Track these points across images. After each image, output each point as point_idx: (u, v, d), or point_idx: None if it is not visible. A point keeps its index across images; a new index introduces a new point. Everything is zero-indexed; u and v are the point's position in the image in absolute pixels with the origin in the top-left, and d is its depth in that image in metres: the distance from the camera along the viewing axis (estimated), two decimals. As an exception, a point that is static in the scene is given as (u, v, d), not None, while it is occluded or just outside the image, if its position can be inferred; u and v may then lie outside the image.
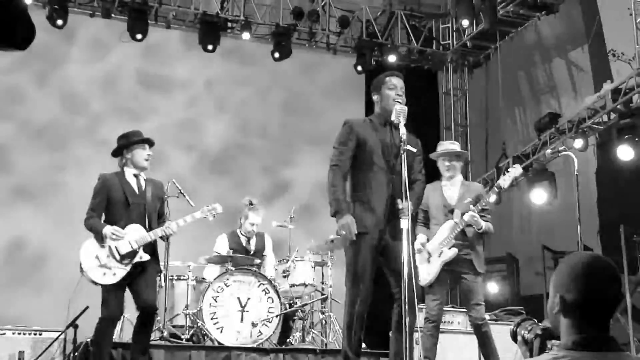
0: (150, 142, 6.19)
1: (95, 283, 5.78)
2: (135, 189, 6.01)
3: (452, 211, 6.34)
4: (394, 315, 4.88)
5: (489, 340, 6.27)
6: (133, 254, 5.81)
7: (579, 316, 2.25)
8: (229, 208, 8.95)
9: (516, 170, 6.38)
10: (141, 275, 5.86)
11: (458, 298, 11.34)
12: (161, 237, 6.09)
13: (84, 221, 5.92)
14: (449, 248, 6.21)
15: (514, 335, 4.00)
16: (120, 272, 5.76)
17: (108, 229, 5.79)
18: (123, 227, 5.86)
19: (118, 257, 5.77)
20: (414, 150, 5.03)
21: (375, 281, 4.94)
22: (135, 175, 6.07)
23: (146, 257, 5.88)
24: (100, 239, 5.79)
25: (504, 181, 6.26)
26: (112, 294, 5.75)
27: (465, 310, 6.69)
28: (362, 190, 4.92)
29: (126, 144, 6.13)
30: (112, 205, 5.94)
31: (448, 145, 6.60)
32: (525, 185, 10.57)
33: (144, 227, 5.94)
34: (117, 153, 6.19)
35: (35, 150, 10.71)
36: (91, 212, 5.92)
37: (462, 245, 6.24)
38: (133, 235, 5.86)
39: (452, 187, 6.39)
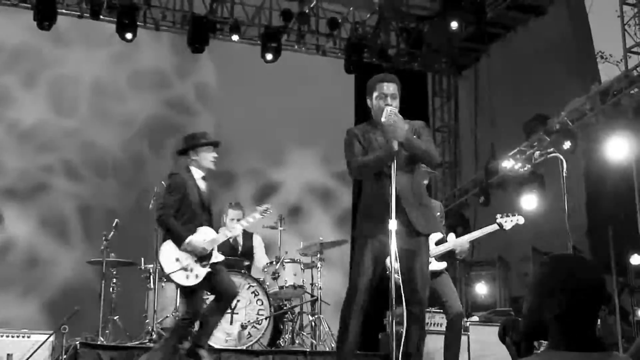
0: (217, 144, 6.15)
1: (181, 286, 5.87)
2: (204, 190, 6.02)
3: None
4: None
5: (460, 337, 6.36)
6: (209, 255, 5.84)
7: (567, 318, 2.26)
8: (216, 210, 8.95)
9: (520, 220, 6.52)
10: (217, 268, 5.91)
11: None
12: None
13: (158, 216, 5.87)
14: (438, 259, 6.29)
15: (502, 336, 4.01)
16: (201, 273, 5.79)
17: (194, 245, 5.79)
18: (196, 228, 5.87)
19: (196, 259, 5.79)
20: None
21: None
22: (203, 177, 6.07)
23: (221, 257, 5.93)
24: (179, 242, 5.78)
25: (506, 224, 6.42)
26: (197, 294, 5.83)
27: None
28: (367, 196, 4.95)
29: (193, 145, 6.07)
30: (188, 205, 5.90)
31: None
32: (514, 187, 10.60)
33: (213, 228, 6.00)
34: (182, 153, 6.15)
35: (23, 151, 10.67)
36: (168, 210, 5.84)
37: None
38: (207, 237, 5.88)
39: None
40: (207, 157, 6.05)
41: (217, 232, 6.04)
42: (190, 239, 5.77)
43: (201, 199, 5.94)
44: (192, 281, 5.76)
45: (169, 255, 5.79)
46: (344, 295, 4.93)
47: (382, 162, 4.75)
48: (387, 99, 4.91)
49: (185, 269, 5.75)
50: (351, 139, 4.98)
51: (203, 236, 5.87)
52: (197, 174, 6.05)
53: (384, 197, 4.70)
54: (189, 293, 5.83)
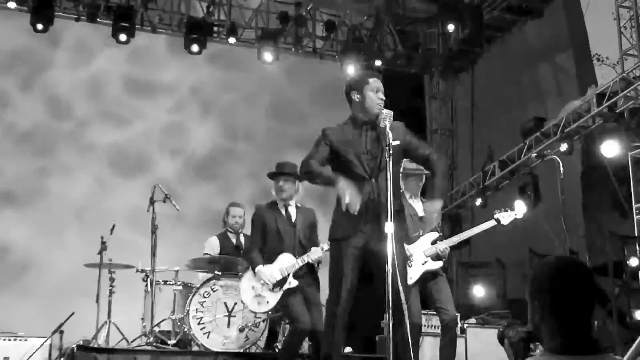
0: (284, 174, 6.36)
1: (255, 312, 6.50)
2: (285, 218, 6.30)
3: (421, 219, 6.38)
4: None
5: (456, 342, 6.32)
6: (283, 281, 6.10)
7: (557, 319, 2.25)
8: (214, 213, 8.96)
9: (519, 211, 6.45)
10: (289, 301, 6.14)
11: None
12: (310, 262, 6.29)
13: (244, 250, 6.51)
14: (434, 259, 6.26)
15: (501, 338, 4.04)
16: (272, 300, 6.14)
17: (261, 273, 6.13)
18: (276, 256, 6.17)
19: (271, 287, 6.12)
20: (397, 143, 4.96)
21: (361, 287, 4.90)
22: (285, 205, 6.33)
23: (295, 283, 6.14)
24: (254, 272, 6.19)
25: (504, 219, 6.36)
26: (299, 309, 6.02)
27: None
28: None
29: (270, 176, 6.45)
30: (267, 235, 6.27)
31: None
32: (511, 189, 10.60)
33: (294, 255, 6.21)
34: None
35: (19, 155, 10.66)
36: (251, 244, 6.41)
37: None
38: (283, 264, 6.16)
39: (416, 201, 6.46)
40: (276, 187, 6.38)
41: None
42: (259, 268, 6.13)
43: (278, 228, 6.22)
44: (263, 308, 6.26)
45: (247, 283, 6.25)
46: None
47: (328, 185, 4.81)
48: (380, 94, 4.93)
49: (258, 296, 6.17)
50: (321, 140, 4.98)
51: (278, 264, 6.15)
52: (281, 203, 6.35)
53: (365, 198, 4.72)
54: (292, 309, 6.07)
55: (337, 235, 4.87)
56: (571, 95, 10.39)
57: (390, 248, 4.35)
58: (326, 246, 6.17)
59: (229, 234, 8.22)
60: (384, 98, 4.92)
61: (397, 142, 4.84)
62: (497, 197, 11.17)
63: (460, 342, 6.75)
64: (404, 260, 4.84)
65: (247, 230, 8.34)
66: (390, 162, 4.51)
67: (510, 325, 3.48)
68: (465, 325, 7.84)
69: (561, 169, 6.46)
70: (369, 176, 4.82)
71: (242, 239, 8.20)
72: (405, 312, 4.48)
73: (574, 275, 2.29)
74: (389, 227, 4.39)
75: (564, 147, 9.52)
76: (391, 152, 4.54)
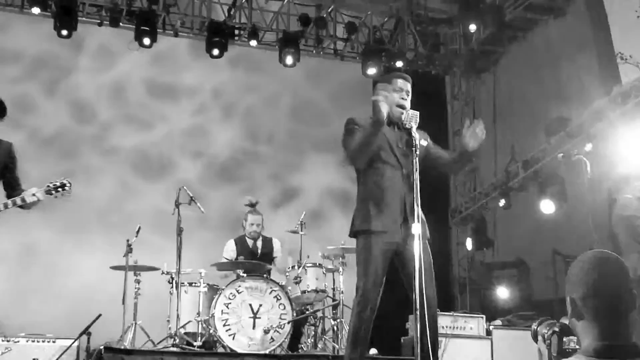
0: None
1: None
2: None
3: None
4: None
5: None
6: None
7: (592, 318, 2.14)
8: (237, 214, 8.99)
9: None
10: None
11: (468, 304, 11.32)
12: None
13: None
14: None
15: (534, 335, 4.02)
16: None
17: None
18: None
19: None
20: (425, 143, 4.94)
21: (386, 287, 4.86)
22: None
23: None
24: None
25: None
26: None
27: (479, 315, 6.67)
28: (374, 190, 4.79)
29: None
30: None
31: None
32: (536, 189, 10.54)
33: None
34: None
35: (44, 159, 10.74)
36: None
37: None
38: None
39: None
40: None
41: None
42: None
43: None
44: None
45: None
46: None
47: (371, 134, 4.67)
48: (403, 93, 4.88)
49: None
50: (353, 128, 4.86)
51: None
52: None
53: (398, 192, 4.70)
54: None
55: (368, 228, 4.73)
56: (595, 95, 10.30)
57: (417, 248, 4.35)
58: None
59: (247, 238, 8.26)
60: (405, 98, 4.86)
61: (425, 143, 4.85)
62: (520, 197, 11.10)
63: (486, 343, 6.72)
64: (430, 260, 4.75)
65: (265, 233, 8.39)
66: (417, 162, 4.50)
67: (542, 322, 3.46)
68: (491, 327, 7.80)
69: (588, 168, 6.41)
70: (401, 169, 4.77)
71: (259, 244, 8.24)
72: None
73: (610, 271, 2.18)
74: (416, 228, 4.40)
75: (588, 147, 9.43)
76: (418, 153, 4.54)
